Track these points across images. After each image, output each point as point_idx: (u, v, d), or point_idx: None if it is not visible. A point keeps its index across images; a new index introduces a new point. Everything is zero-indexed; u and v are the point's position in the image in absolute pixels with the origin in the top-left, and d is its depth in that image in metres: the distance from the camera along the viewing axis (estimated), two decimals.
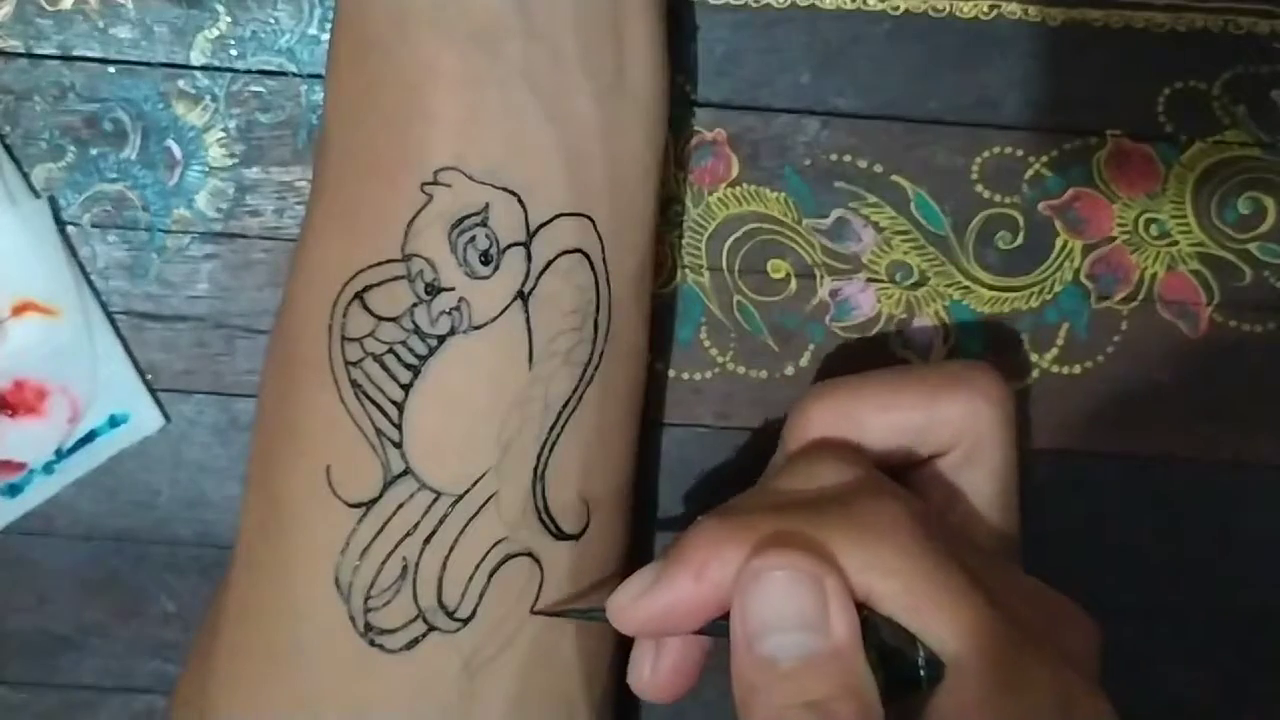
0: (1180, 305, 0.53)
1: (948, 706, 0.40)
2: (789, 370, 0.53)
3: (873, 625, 0.40)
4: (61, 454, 0.53)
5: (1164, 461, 0.54)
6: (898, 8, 0.52)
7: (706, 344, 0.53)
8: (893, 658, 0.40)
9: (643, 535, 0.53)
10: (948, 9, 0.52)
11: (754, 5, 0.52)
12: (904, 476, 0.47)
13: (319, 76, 0.52)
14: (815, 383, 0.48)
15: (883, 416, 0.46)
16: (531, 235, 0.45)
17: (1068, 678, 0.41)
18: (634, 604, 0.43)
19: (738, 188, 0.53)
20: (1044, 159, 0.53)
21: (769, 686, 0.40)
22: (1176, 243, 0.53)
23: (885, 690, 0.40)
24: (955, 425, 0.46)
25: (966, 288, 0.53)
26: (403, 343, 0.45)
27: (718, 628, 0.42)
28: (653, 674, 0.46)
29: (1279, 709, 0.55)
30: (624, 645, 0.49)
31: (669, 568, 0.42)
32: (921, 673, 0.40)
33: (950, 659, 0.40)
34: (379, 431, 0.45)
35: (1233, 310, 0.53)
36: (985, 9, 0.52)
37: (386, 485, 0.45)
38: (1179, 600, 0.54)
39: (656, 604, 0.42)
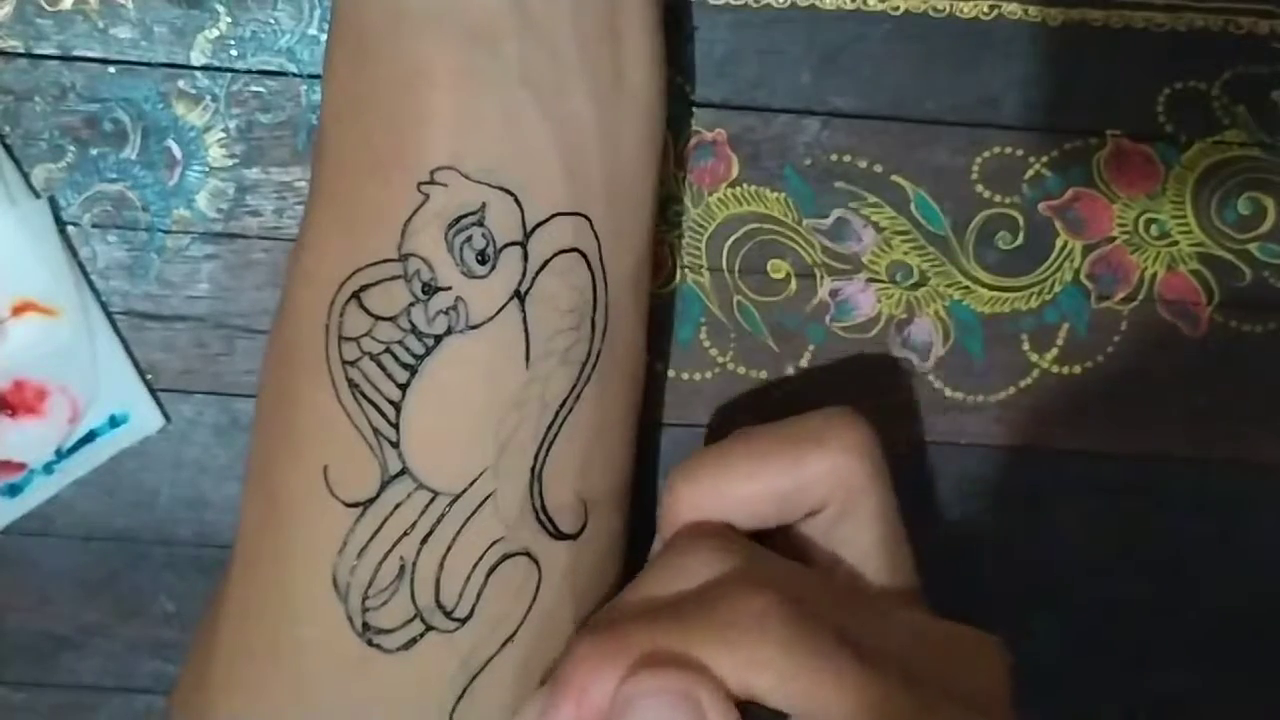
0: (1180, 305, 0.53)
1: None
2: (789, 370, 0.53)
3: (753, 713, 0.40)
4: (61, 454, 0.53)
5: (1164, 461, 0.54)
6: (898, 8, 0.52)
7: (706, 344, 0.53)
8: None
9: (642, 535, 0.53)
10: (948, 9, 0.52)
11: (754, 5, 0.52)
12: (784, 536, 0.47)
13: (319, 77, 0.51)
14: (677, 465, 0.47)
15: (749, 486, 0.46)
16: (528, 235, 0.45)
17: None
18: None
19: (738, 188, 0.53)
20: (1044, 159, 0.53)
21: None
22: (1176, 243, 0.53)
23: None
24: (824, 483, 0.46)
25: (966, 288, 0.53)
26: (400, 342, 0.45)
27: None
28: None
29: (1279, 709, 0.55)
30: None
31: (552, 698, 0.41)
32: None
33: None
34: (376, 431, 0.45)
35: (1232, 310, 0.53)
36: (985, 9, 0.52)
37: (384, 485, 0.45)
38: (1179, 600, 0.54)
39: None
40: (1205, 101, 0.52)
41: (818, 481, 0.45)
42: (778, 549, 0.46)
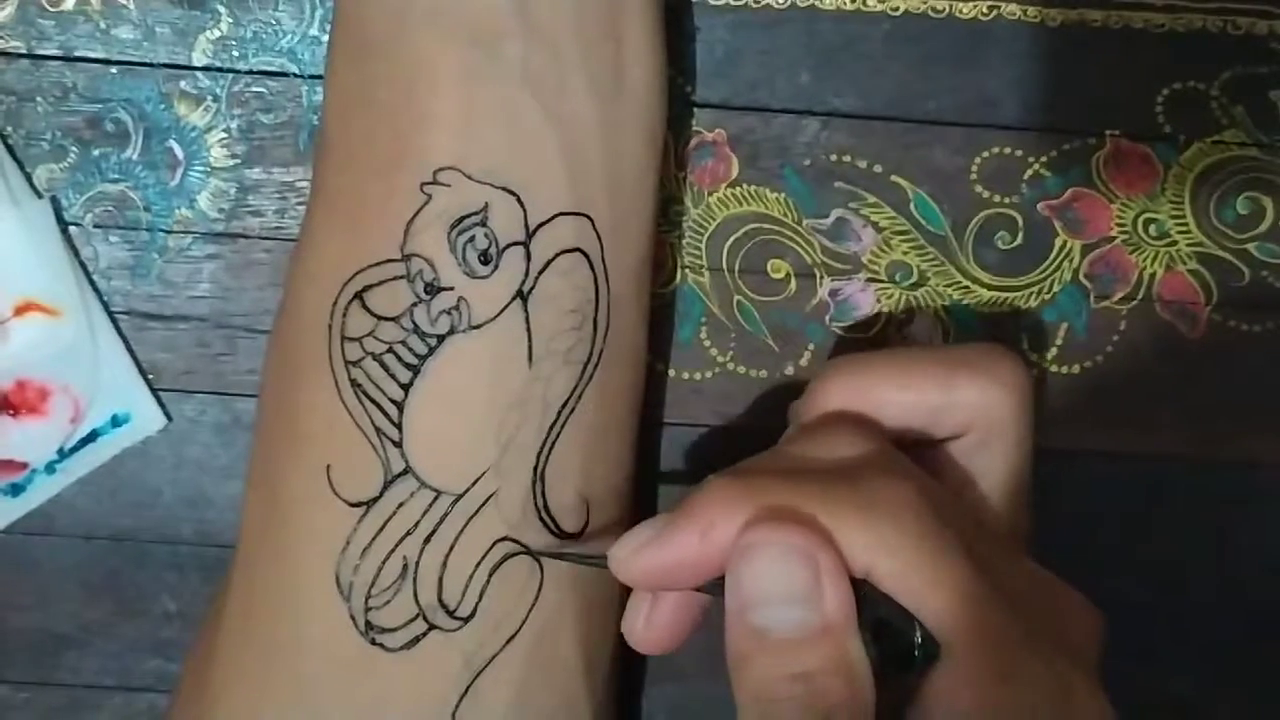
0: (1179, 305, 0.53)
1: (940, 688, 0.40)
2: (789, 370, 0.53)
3: (870, 601, 0.40)
4: (63, 453, 0.53)
5: (1164, 461, 0.54)
6: (897, 8, 0.52)
7: (706, 344, 0.53)
8: (889, 636, 0.40)
9: None
10: (947, 9, 0.52)
11: (754, 5, 0.52)
12: (919, 455, 0.46)
13: (320, 77, 0.52)
14: (832, 358, 0.47)
15: (900, 395, 0.46)
16: (531, 235, 0.45)
17: (1065, 672, 0.41)
18: (635, 556, 0.43)
19: (738, 188, 0.53)
20: (1043, 159, 0.53)
21: (759, 656, 0.40)
22: (1175, 243, 0.53)
23: (879, 667, 0.40)
24: (971, 409, 0.46)
25: (966, 288, 0.53)
26: (402, 342, 0.45)
27: (717, 587, 0.42)
28: (646, 626, 0.46)
29: (1279, 709, 0.55)
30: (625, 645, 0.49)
31: (675, 523, 0.42)
32: (916, 653, 0.40)
33: (946, 642, 0.40)
34: (379, 431, 0.45)
35: (1231, 310, 0.53)
36: (985, 9, 0.52)
37: (387, 484, 0.45)
38: (1179, 600, 0.54)
39: (658, 558, 0.42)
40: (1204, 102, 0.52)
41: (966, 407, 0.45)
42: None
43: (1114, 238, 0.53)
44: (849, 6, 0.52)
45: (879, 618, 0.40)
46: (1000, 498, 0.47)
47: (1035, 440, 0.47)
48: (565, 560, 0.46)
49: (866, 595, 0.40)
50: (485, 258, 0.45)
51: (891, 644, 0.40)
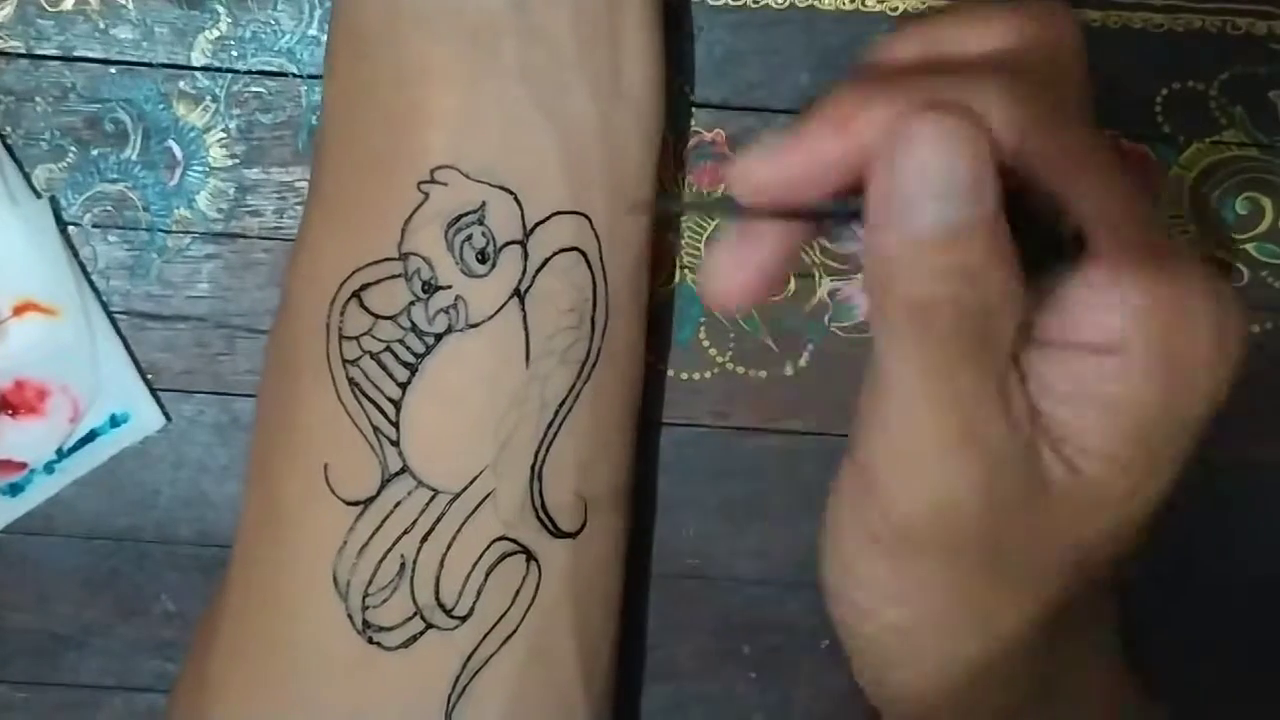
0: None
1: (1093, 281, 0.37)
2: (788, 370, 0.53)
3: (1015, 193, 0.37)
4: (62, 453, 0.53)
5: None
6: (897, 8, 0.52)
7: (705, 344, 0.53)
8: (1031, 228, 0.37)
9: (643, 534, 0.53)
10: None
11: (753, 6, 0.52)
12: None
13: (319, 77, 0.52)
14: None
15: (975, 36, 0.40)
16: (528, 233, 0.45)
17: (1215, 277, 0.38)
18: (768, 159, 0.38)
19: None
20: None
21: (914, 257, 0.37)
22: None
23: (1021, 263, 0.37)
24: (1042, 51, 0.41)
25: None
26: (400, 341, 0.45)
27: (838, 207, 0.38)
28: (738, 268, 0.40)
29: (1279, 708, 0.55)
30: (622, 644, 0.49)
31: (809, 121, 0.38)
32: (1066, 245, 0.37)
33: (1100, 228, 0.37)
34: (376, 429, 0.45)
35: None
36: None
37: (384, 483, 0.45)
38: (1179, 600, 0.54)
39: (792, 157, 0.38)
40: (1203, 102, 0.52)
41: (1039, 45, 0.40)
42: None
43: None
44: (848, 7, 0.52)
45: (1024, 208, 0.37)
46: None
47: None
48: (688, 210, 0.44)
49: (1015, 186, 0.37)
50: (483, 256, 0.45)
51: (1033, 237, 0.37)
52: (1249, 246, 0.53)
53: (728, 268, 0.41)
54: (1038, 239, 0.37)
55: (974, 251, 0.36)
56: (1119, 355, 0.37)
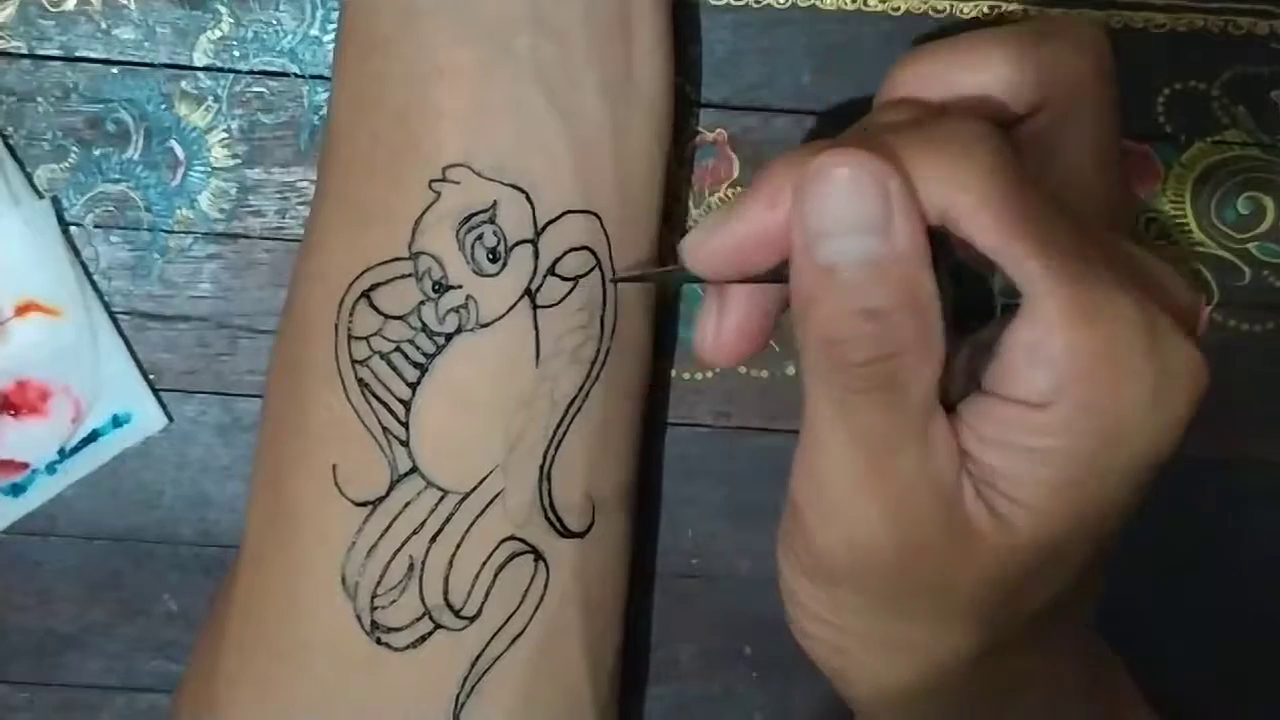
0: None
1: (1022, 335, 0.37)
2: (789, 370, 0.53)
3: (946, 247, 0.38)
4: (64, 454, 0.53)
5: None
6: (898, 8, 0.52)
7: None
8: (966, 284, 0.38)
9: (646, 534, 0.53)
10: (948, 9, 0.52)
11: (754, 6, 0.52)
12: None
13: (321, 77, 0.52)
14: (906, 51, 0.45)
15: (972, 76, 0.43)
16: (539, 232, 0.45)
17: (1154, 314, 0.38)
18: (708, 238, 0.41)
19: (739, 188, 0.53)
20: None
21: (826, 295, 0.38)
22: (1176, 242, 0.53)
23: (956, 319, 0.38)
24: (1046, 76, 0.43)
25: None
26: (410, 341, 0.45)
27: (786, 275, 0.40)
28: (716, 333, 0.44)
29: (1279, 709, 0.55)
30: (629, 644, 0.49)
31: (742, 199, 0.40)
32: (995, 301, 0.38)
33: (1028, 288, 0.37)
34: (386, 430, 0.45)
35: (1232, 310, 0.53)
36: (985, 9, 0.52)
37: (393, 483, 0.45)
38: (1179, 600, 0.54)
39: (730, 236, 0.40)
40: (1205, 101, 0.53)
41: (1040, 71, 0.43)
42: None
43: None
44: (850, 6, 0.52)
45: (955, 263, 0.38)
46: (1086, 174, 0.44)
47: (1116, 105, 0.44)
48: (644, 281, 0.46)
49: (943, 243, 0.38)
50: (494, 255, 0.45)
51: (968, 294, 0.38)
52: (1251, 246, 0.53)
53: (709, 331, 0.44)
54: (974, 291, 0.38)
55: (882, 291, 0.37)
56: (1047, 411, 0.38)
